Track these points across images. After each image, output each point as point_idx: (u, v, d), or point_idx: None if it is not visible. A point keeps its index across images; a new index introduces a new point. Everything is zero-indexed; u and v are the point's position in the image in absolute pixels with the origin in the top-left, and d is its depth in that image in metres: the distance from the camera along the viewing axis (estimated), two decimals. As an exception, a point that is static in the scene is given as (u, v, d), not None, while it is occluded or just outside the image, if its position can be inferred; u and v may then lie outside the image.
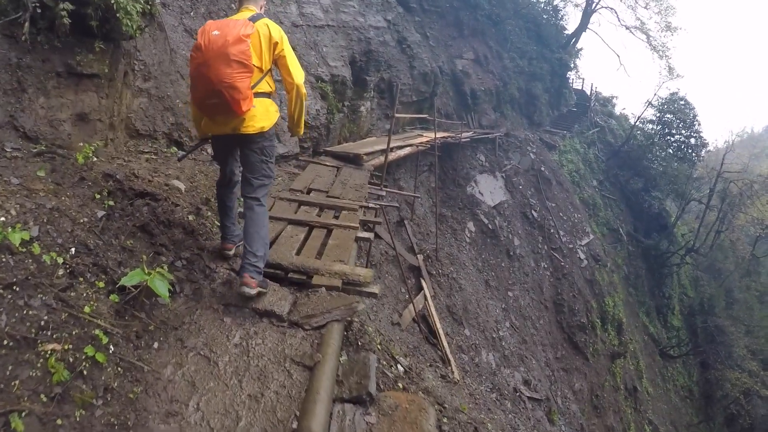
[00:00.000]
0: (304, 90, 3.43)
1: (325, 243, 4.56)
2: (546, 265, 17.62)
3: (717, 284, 34.88)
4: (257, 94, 3.18)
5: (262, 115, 3.23)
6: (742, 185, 31.69)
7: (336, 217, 5.50)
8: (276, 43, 3.23)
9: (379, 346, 4.68)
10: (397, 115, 11.37)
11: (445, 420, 4.04)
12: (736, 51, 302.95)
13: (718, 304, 32.91)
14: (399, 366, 4.96)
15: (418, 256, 12.59)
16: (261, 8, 3.44)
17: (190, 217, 4.04)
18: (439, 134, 13.90)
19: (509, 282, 16.09)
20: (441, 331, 11.57)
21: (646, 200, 27.92)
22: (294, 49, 7.83)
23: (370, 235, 5.26)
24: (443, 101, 18.19)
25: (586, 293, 18.37)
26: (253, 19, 3.17)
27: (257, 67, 3.15)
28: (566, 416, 15.68)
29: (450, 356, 11.04)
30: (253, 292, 3.16)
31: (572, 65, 33.63)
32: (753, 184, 32.06)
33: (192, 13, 7.16)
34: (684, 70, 53.64)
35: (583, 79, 35.05)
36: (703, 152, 33.11)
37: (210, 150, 5.68)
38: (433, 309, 11.77)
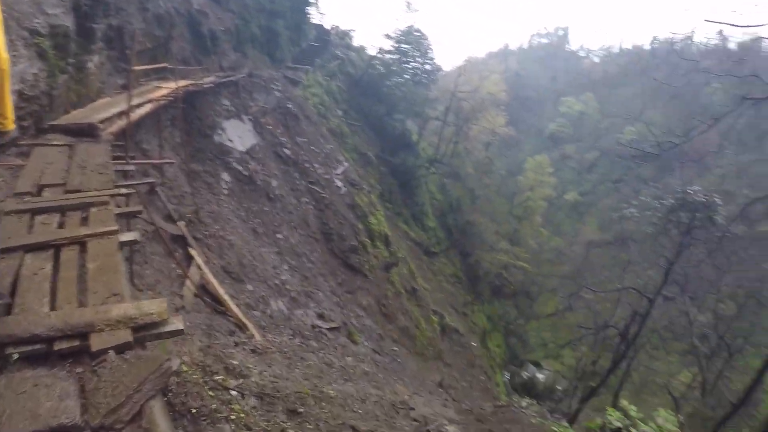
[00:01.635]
0: (6, 57, 2.79)
1: (85, 270, 3.46)
2: (307, 200, 18.16)
3: (460, 186, 41.06)
4: None
5: None
6: (474, 102, 37.13)
7: (85, 220, 4.34)
8: None
9: (210, 393, 4.18)
10: (136, 68, 9.92)
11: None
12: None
13: (464, 202, 38.82)
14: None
15: (180, 223, 11.68)
16: None
17: None
18: (181, 83, 12.71)
19: (275, 224, 16.20)
20: (225, 297, 11.13)
21: (389, 123, 30.70)
22: None
23: (134, 235, 4.35)
24: (180, 46, 16.57)
25: (351, 217, 19.62)
26: None
27: None
28: (365, 332, 16.82)
29: (244, 320, 10.73)
30: None
31: (312, 0, 33.88)
32: (483, 100, 37.86)
33: None
34: (420, 4, 58.24)
35: (322, 15, 35.67)
36: (437, 76, 37.46)
37: None
38: (210, 276, 11.22)
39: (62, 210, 4.48)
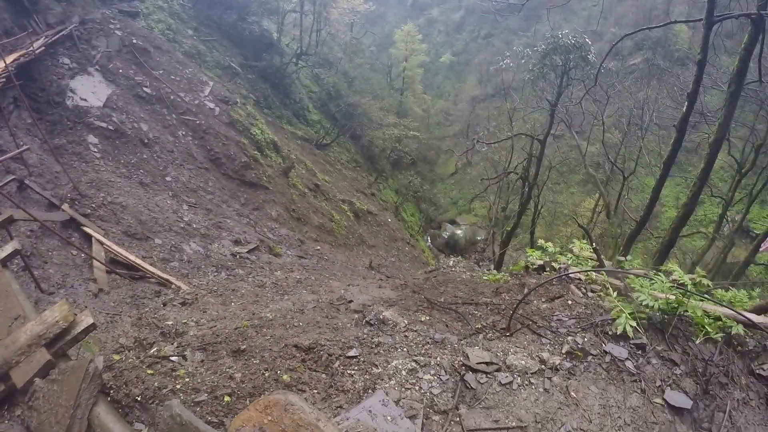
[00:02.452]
0: None
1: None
2: (184, 132, 17.83)
3: (334, 73, 40.66)
4: None
5: None
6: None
7: None
8: None
9: (150, 372, 4.22)
10: None
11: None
12: None
13: (342, 87, 38.84)
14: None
15: (64, 206, 11.24)
16: None
17: None
18: (9, 58, 11.65)
19: (160, 169, 15.96)
20: (138, 261, 11.12)
21: (245, 28, 29.14)
22: None
23: (13, 245, 3.99)
24: None
25: (233, 135, 19.50)
26: None
27: None
28: (284, 243, 17.45)
29: (164, 275, 10.86)
30: None
31: None
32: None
33: None
34: None
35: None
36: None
37: None
38: (114, 246, 11.16)
39: None
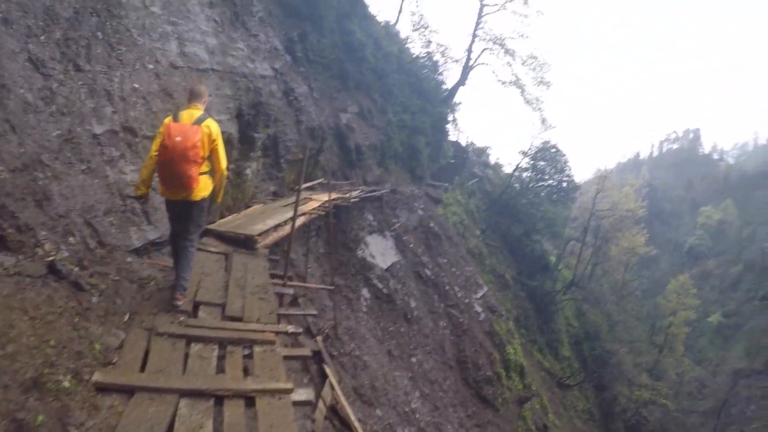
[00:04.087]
0: (226, 173, 4.88)
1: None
2: (445, 324, 17.63)
3: (597, 312, 37.92)
4: (201, 173, 4.57)
5: (203, 187, 4.67)
6: (613, 220, 35.33)
7: (249, 359, 3.96)
8: (214, 140, 4.60)
9: None
10: (304, 185, 10.11)
11: None
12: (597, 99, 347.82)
13: (601, 329, 35.63)
14: None
15: (318, 338, 11.74)
16: (204, 103, 4.84)
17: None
18: (333, 195, 12.73)
19: (411, 347, 15.73)
20: (356, 422, 10.71)
21: (527, 244, 29.69)
22: (171, 95, 7.65)
23: (309, 394, 3.94)
24: (327, 158, 17.46)
25: (488, 345, 18.62)
26: (199, 121, 4.50)
27: (202, 157, 4.53)
28: None
29: None
30: (181, 303, 4.56)
31: (451, 118, 35.17)
32: (622, 218, 35.89)
33: (43, 38, 5.29)
34: (556, 119, 58.47)
35: (459, 132, 36.79)
36: (576, 194, 36.23)
37: None
38: (343, 398, 10.94)
39: (222, 343, 4.06)
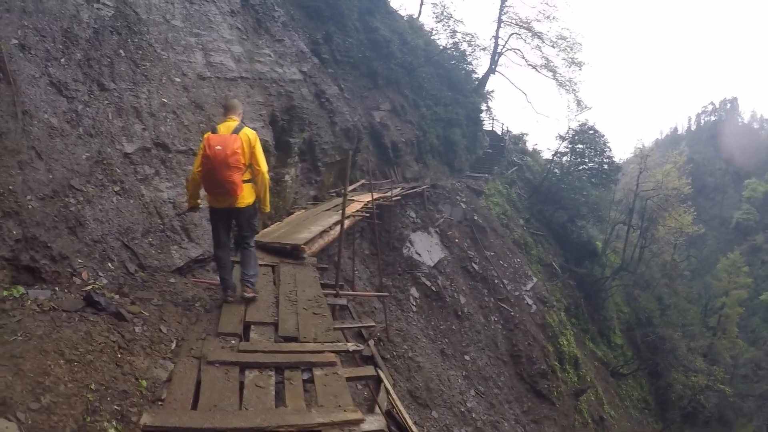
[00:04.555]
0: (267, 176, 4.91)
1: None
2: (496, 319, 17.25)
3: (648, 296, 36.69)
4: (244, 181, 4.71)
5: (247, 195, 4.78)
6: (658, 200, 34.07)
7: (310, 384, 3.58)
8: (252, 146, 4.73)
9: None
10: (350, 188, 9.95)
11: None
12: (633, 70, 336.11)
13: (653, 314, 34.43)
14: None
15: (369, 342, 11.66)
16: (239, 115, 5.05)
17: None
18: (376, 195, 12.72)
19: (463, 345, 15.40)
20: (414, 428, 10.62)
21: (573, 231, 28.78)
22: (202, 106, 7.60)
23: (379, 423, 3.34)
24: (363, 157, 17.33)
25: (541, 338, 18.12)
26: (237, 131, 4.66)
27: (244, 164, 4.68)
28: None
29: None
30: (250, 296, 4.90)
31: (485, 107, 34.42)
32: (668, 197, 34.57)
33: (63, 60, 5.15)
34: (591, 99, 56.37)
35: (494, 120, 35.92)
36: (618, 175, 35.07)
37: None
38: (398, 402, 10.80)
39: (279, 368, 3.67)
